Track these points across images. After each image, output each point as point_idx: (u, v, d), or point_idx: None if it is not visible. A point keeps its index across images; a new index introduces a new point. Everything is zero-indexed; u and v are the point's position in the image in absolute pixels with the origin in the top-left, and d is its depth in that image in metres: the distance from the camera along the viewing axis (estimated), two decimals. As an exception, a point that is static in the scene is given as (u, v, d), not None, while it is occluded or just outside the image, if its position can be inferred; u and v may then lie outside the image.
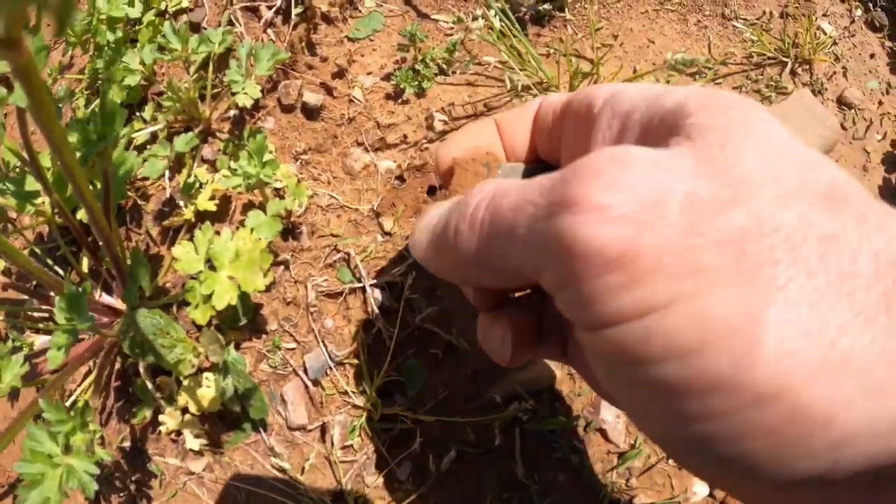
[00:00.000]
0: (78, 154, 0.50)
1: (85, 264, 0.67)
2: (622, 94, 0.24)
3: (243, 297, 0.58)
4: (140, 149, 0.70)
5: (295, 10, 0.75)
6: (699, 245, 0.16)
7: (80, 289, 0.46)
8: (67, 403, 0.68)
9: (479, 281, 0.28)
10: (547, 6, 0.78)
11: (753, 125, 0.19)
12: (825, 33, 0.81)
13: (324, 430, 0.64)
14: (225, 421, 0.66)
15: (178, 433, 0.66)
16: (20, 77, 0.26)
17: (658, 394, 0.17)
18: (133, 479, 0.69)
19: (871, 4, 0.84)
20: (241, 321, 0.62)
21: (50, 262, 0.71)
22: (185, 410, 0.64)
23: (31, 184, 0.59)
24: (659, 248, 0.17)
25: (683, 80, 0.76)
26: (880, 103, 0.80)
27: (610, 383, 0.20)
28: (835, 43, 0.80)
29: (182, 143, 0.63)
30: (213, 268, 0.58)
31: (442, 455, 0.63)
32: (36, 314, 0.68)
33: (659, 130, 0.21)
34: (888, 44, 0.83)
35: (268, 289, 0.67)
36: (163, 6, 0.77)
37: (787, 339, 0.16)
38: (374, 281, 0.66)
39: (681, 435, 0.17)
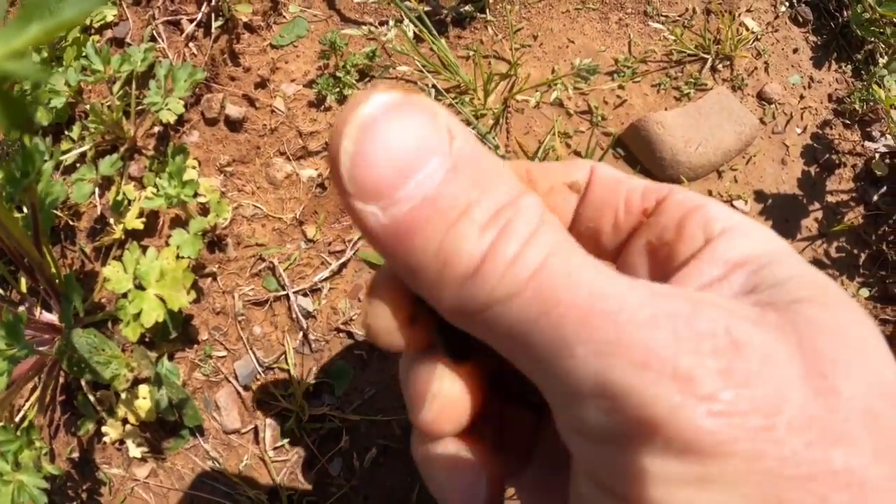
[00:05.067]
0: (4, 193, 0.61)
1: (23, 284, 0.79)
2: (738, 236, 0.23)
3: (171, 313, 0.70)
4: (69, 169, 0.81)
5: (216, 23, 0.85)
6: (790, 476, 0.17)
7: (16, 316, 0.58)
8: (17, 419, 0.80)
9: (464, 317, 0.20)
10: (468, 8, 0.88)
11: (864, 342, 0.20)
12: (748, 29, 0.91)
13: (256, 432, 0.77)
14: (165, 428, 0.79)
15: (122, 442, 0.79)
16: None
17: None
18: (84, 488, 0.82)
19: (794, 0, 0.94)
20: (172, 334, 0.74)
21: (-12, 281, 0.82)
22: (125, 421, 0.77)
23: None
24: (752, 459, 0.17)
25: (601, 80, 0.87)
26: (802, 97, 0.91)
27: None
28: (757, 38, 0.91)
29: (107, 165, 0.74)
30: (140, 286, 0.69)
31: (369, 450, 0.76)
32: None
33: (763, 298, 0.21)
34: (812, 38, 0.93)
35: (197, 300, 0.78)
36: (87, 22, 0.86)
37: None
38: (298, 288, 0.78)
39: None
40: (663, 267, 0.25)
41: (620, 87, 0.86)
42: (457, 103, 0.82)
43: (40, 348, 0.72)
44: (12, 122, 0.23)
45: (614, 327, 0.18)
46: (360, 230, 0.19)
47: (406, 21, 0.81)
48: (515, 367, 0.20)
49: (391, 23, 0.81)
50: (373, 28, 0.80)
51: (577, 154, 0.83)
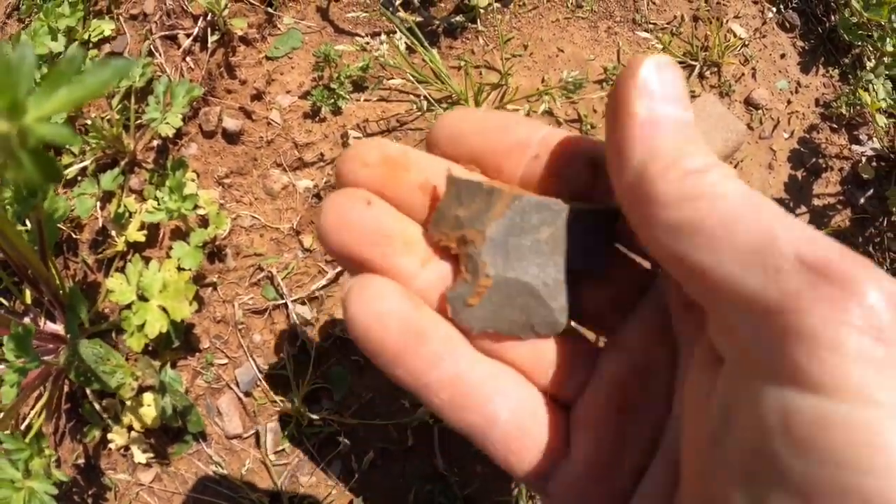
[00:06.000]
0: (11, 210, 0.65)
1: (28, 295, 0.83)
2: None
3: (174, 323, 0.74)
4: (71, 183, 0.85)
5: (212, 38, 0.89)
6: None
7: (25, 329, 0.62)
8: (23, 427, 0.84)
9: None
10: (460, 18, 0.92)
11: None
12: (735, 35, 0.95)
13: (258, 437, 0.81)
14: (169, 434, 0.83)
15: (127, 448, 0.83)
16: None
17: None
18: (90, 493, 0.86)
19: (782, 5, 0.97)
20: (175, 343, 0.78)
21: (-7, 293, 0.86)
22: (130, 428, 0.81)
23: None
24: None
25: (590, 88, 0.90)
26: (789, 102, 0.95)
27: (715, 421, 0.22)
28: (745, 44, 0.95)
29: (108, 180, 0.78)
30: (143, 298, 0.73)
31: (368, 453, 0.80)
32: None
33: None
34: (800, 43, 0.97)
35: (198, 309, 0.82)
36: (85, 36, 0.90)
37: None
38: (297, 296, 0.82)
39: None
40: None
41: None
42: (449, 114, 0.85)
43: (45, 358, 0.76)
44: (46, 178, 0.27)
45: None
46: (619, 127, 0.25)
47: (398, 33, 0.85)
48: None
49: (383, 36, 0.85)
50: (366, 41, 0.83)
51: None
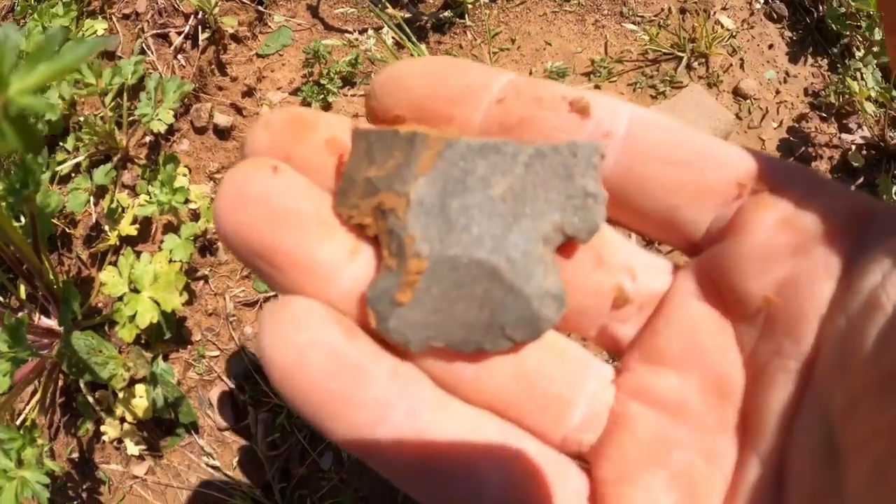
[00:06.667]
0: (4, 203, 0.67)
1: (22, 290, 0.85)
2: None
3: (165, 314, 0.76)
4: (65, 179, 0.88)
5: (203, 35, 0.91)
6: None
7: (18, 320, 0.64)
8: (18, 421, 0.86)
9: None
10: (448, 13, 0.94)
11: None
12: (723, 26, 0.97)
13: (249, 428, 0.83)
14: (161, 427, 0.85)
15: (120, 441, 0.85)
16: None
17: None
18: (84, 486, 0.88)
19: (768, -6, 0.99)
20: (166, 335, 0.80)
21: (-11, 289, 0.89)
22: (123, 420, 0.83)
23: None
24: None
25: (577, 81, 0.92)
26: (777, 92, 0.96)
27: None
28: (733, 36, 0.97)
29: (101, 175, 0.81)
30: (136, 290, 0.76)
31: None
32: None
33: None
34: (788, 34, 0.99)
35: (190, 302, 0.85)
36: (79, 36, 0.93)
37: None
38: (288, 291, 0.84)
39: None
40: None
41: (597, 87, 0.92)
42: (437, 107, 0.88)
43: (40, 352, 0.78)
44: (27, 146, 0.29)
45: None
46: None
47: (386, 29, 0.87)
48: None
49: (370, 31, 0.87)
50: (354, 37, 0.86)
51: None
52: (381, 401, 0.20)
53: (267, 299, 0.85)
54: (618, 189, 0.22)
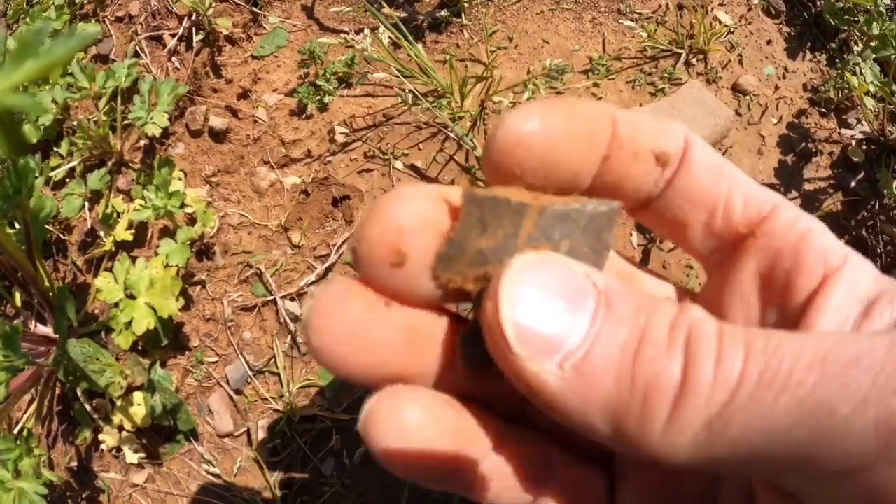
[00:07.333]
0: (-1, 209, 0.66)
1: (18, 298, 0.84)
2: (858, 270, 0.23)
3: (162, 320, 0.75)
4: (59, 184, 0.87)
5: (197, 37, 0.91)
6: None
7: (13, 328, 0.63)
8: (15, 431, 0.85)
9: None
10: (444, 13, 0.94)
11: None
12: (721, 23, 0.96)
13: (249, 434, 0.82)
14: (160, 434, 0.84)
15: (119, 449, 0.84)
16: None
17: None
18: (83, 496, 0.87)
19: (766, -11, 0.99)
20: (163, 341, 0.79)
21: (-17, 296, 0.88)
22: (121, 428, 0.82)
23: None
24: None
25: (576, 78, 0.92)
26: (777, 88, 0.96)
27: None
28: (731, 32, 0.96)
29: (95, 179, 0.80)
30: (131, 296, 0.75)
31: (360, 449, 0.81)
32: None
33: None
34: (786, 29, 0.98)
35: (188, 307, 0.84)
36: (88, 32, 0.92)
37: None
38: (285, 292, 0.83)
39: None
40: (780, 298, 0.24)
41: (595, 84, 0.91)
42: (434, 107, 0.87)
43: (37, 360, 0.77)
44: (13, 148, 0.28)
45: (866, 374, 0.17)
46: (533, 396, 0.19)
47: (381, 28, 0.87)
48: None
49: (366, 31, 0.87)
50: (350, 37, 0.85)
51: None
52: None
53: (265, 304, 0.84)
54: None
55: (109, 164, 0.87)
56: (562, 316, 0.19)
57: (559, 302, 0.19)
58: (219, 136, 0.89)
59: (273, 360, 0.82)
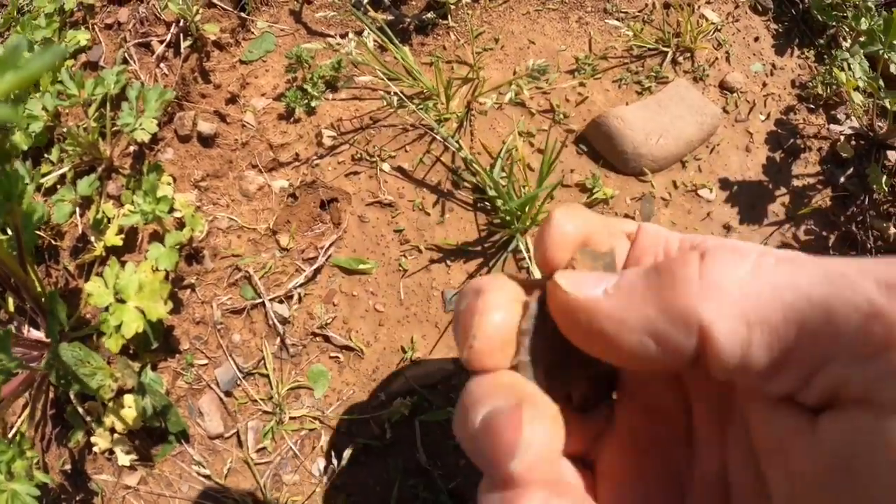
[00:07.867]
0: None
1: (10, 303, 0.86)
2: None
3: (151, 323, 0.76)
4: (50, 191, 0.88)
5: (185, 43, 0.92)
6: None
7: (5, 332, 0.65)
8: (10, 434, 0.87)
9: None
10: (431, 15, 0.95)
11: None
12: (708, 20, 0.97)
13: (239, 436, 0.83)
14: (152, 437, 0.85)
15: (111, 452, 0.85)
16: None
17: None
18: (77, 498, 0.88)
19: (752, -14, 1.00)
20: (153, 344, 0.80)
21: (-23, 302, 0.89)
22: (113, 430, 0.83)
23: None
24: None
25: (562, 78, 0.92)
26: (764, 84, 0.96)
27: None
28: (718, 29, 0.97)
29: (85, 186, 0.81)
30: (121, 300, 0.76)
31: (349, 449, 0.82)
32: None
33: None
34: (773, 26, 0.99)
35: (178, 311, 0.85)
36: (62, 46, 0.93)
37: None
38: (274, 295, 0.84)
39: None
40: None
41: (581, 84, 0.92)
42: (420, 109, 0.88)
43: (30, 364, 0.78)
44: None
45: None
46: (590, 325, 0.25)
47: (367, 32, 0.88)
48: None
49: (352, 35, 0.88)
50: (336, 41, 0.86)
51: (540, 152, 0.89)
52: None
53: (254, 306, 0.85)
54: None
55: (99, 170, 0.88)
56: (598, 272, 0.28)
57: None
58: (207, 140, 0.91)
59: (262, 362, 0.84)
